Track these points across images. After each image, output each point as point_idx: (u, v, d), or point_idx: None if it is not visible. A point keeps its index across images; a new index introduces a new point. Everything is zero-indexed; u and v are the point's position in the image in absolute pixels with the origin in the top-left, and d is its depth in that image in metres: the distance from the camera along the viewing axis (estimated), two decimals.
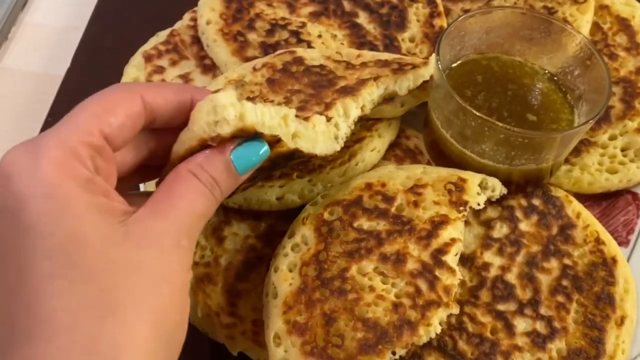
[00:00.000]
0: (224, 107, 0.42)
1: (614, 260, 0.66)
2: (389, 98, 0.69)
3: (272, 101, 0.63)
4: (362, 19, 0.79)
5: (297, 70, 0.68)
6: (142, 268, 0.39)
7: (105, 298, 0.37)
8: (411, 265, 0.58)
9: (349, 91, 0.62)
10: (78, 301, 0.36)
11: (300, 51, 0.71)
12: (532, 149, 0.63)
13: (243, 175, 0.46)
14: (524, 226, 0.68)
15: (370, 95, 0.63)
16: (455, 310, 0.56)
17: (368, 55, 0.71)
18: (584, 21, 0.79)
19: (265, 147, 0.47)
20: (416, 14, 0.81)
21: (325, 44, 0.76)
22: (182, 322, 0.42)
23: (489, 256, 0.66)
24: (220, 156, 0.45)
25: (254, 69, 0.68)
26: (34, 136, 0.41)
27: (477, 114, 0.61)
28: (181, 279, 0.42)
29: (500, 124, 0.60)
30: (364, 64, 0.69)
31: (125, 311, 0.37)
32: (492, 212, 0.69)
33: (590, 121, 0.62)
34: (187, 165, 0.44)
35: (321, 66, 0.69)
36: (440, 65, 0.64)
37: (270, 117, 0.46)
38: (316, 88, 0.65)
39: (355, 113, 0.61)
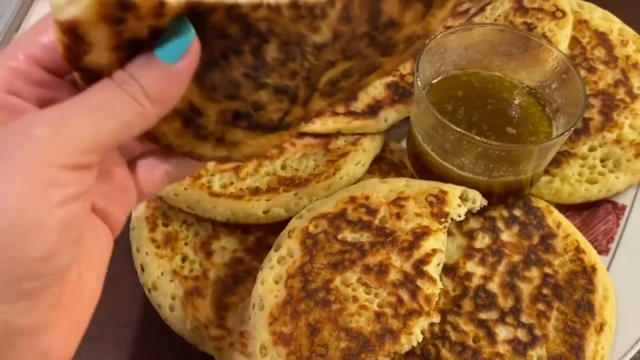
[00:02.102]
0: None
1: (594, 268, 0.68)
2: (373, 112, 0.72)
3: None
4: None
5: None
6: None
7: None
8: (393, 275, 0.59)
9: None
10: None
11: None
12: (510, 161, 0.65)
13: (177, 65, 0.36)
14: (505, 236, 0.70)
15: None
16: (436, 319, 0.57)
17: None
18: (562, 36, 0.82)
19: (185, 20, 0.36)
20: None
21: None
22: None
23: (471, 266, 0.68)
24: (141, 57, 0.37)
25: None
26: None
27: (456, 128, 0.63)
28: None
29: (478, 138, 0.62)
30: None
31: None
32: (474, 223, 0.71)
33: (566, 133, 0.64)
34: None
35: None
36: (419, 82, 0.66)
37: None
38: None
39: None
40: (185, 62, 0.37)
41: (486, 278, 0.67)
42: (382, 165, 0.75)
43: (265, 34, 0.39)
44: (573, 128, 0.64)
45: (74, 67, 0.37)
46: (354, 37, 0.42)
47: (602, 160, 0.76)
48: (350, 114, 0.73)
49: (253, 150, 0.48)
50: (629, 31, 0.86)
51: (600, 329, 0.64)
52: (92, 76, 0.37)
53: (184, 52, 0.36)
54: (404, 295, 0.58)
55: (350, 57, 0.44)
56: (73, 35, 0.34)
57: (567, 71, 0.69)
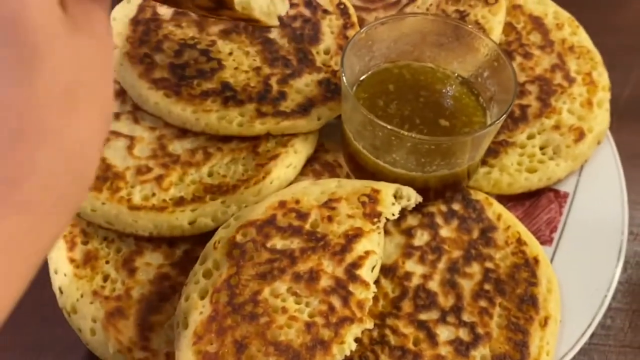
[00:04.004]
0: None
1: (536, 260, 0.66)
2: (304, 111, 0.69)
3: None
4: (275, 34, 0.78)
5: None
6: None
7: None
8: (325, 282, 0.56)
9: None
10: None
11: None
12: (443, 154, 0.63)
13: None
14: (444, 232, 0.68)
15: None
16: (369, 325, 0.54)
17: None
18: (495, 22, 0.80)
19: None
20: (329, 26, 0.80)
21: (237, 60, 0.74)
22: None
23: (410, 265, 0.65)
24: None
25: None
26: None
27: (382, 124, 0.60)
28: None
29: (406, 133, 0.60)
30: None
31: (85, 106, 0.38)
32: (412, 220, 0.68)
33: (497, 122, 0.62)
34: None
35: None
36: (345, 78, 0.63)
37: None
38: None
39: None
40: None
41: (426, 277, 0.64)
42: (316, 166, 0.72)
43: None
44: (504, 116, 0.62)
45: None
46: None
47: (541, 148, 0.74)
48: (280, 113, 0.70)
49: None
50: (564, 14, 0.84)
51: (545, 323, 0.62)
52: None
53: None
54: (336, 303, 0.55)
55: None
56: None
57: (498, 59, 0.67)
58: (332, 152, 0.74)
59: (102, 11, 0.41)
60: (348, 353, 0.53)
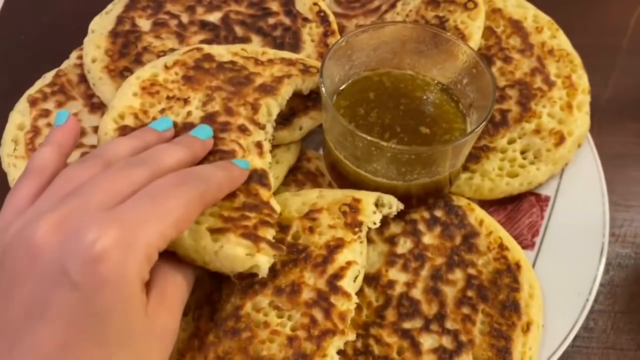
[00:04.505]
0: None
1: (518, 265, 0.66)
2: (286, 121, 0.70)
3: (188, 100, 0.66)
4: (255, 43, 0.78)
5: (210, 66, 0.69)
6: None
7: None
8: (306, 295, 0.56)
9: (269, 90, 0.67)
10: None
11: (207, 48, 0.72)
12: (423, 163, 0.63)
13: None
14: (427, 239, 0.68)
15: (287, 93, 0.68)
16: (351, 336, 0.55)
17: (271, 52, 0.73)
18: (475, 27, 0.80)
19: None
20: (310, 34, 0.80)
21: None
22: None
23: (394, 273, 0.65)
24: None
25: (166, 67, 0.69)
26: (127, 219, 0.45)
27: (362, 135, 0.60)
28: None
29: (385, 144, 0.60)
30: (270, 61, 0.72)
31: None
32: (395, 228, 0.69)
33: (477, 129, 0.62)
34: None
35: (232, 62, 0.70)
36: (324, 88, 0.63)
37: None
38: (235, 85, 0.68)
39: (275, 111, 0.68)
40: None
41: (409, 285, 0.65)
42: (299, 175, 0.72)
43: None
44: (484, 124, 0.62)
45: None
46: None
47: (522, 152, 0.75)
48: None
49: None
50: (543, 17, 0.84)
51: (527, 328, 0.62)
52: None
53: None
54: (318, 315, 0.55)
55: None
56: None
57: (477, 65, 0.67)
58: (313, 161, 0.75)
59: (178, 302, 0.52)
60: None
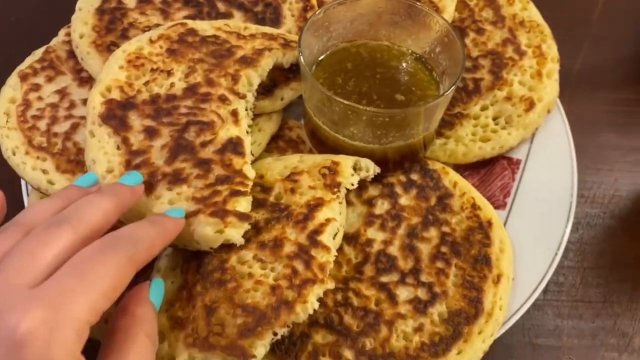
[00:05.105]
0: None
1: (490, 223, 0.70)
2: (267, 92, 0.73)
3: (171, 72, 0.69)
4: (237, 18, 0.81)
5: (194, 40, 0.73)
6: None
7: None
8: (288, 248, 0.60)
9: (249, 62, 0.70)
10: None
11: (191, 23, 0.75)
12: (397, 126, 0.66)
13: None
14: (403, 200, 0.71)
15: (267, 65, 0.71)
16: (330, 285, 0.58)
17: (253, 27, 0.77)
18: (449, 0, 0.84)
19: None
20: (290, 9, 0.83)
21: None
22: None
23: (372, 232, 0.69)
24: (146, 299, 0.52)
25: (151, 41, 0.72)
26: (52, 296, 0.42)
27: (339, 99, 0.63)
28: None
29: (361, 107, 0.63)
30: (252, 36, 0.75)
31: None
32: (373, 191, 0.72)
33: (447, 93, 0.65)
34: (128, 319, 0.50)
35: (215, 36, 0.74)
36: (303, 58, 0.66)
37: None
38: (217, 57, 0.71)
39: (256, 82, 0.70)
40: None
41: (386, 242, 0.68)
42: (280, 143, 0.76)
43: None
44: (453, 87, 0.65)
45: None
46: None
47: (494, 118, 0.78)
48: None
49: None
50: None
51: (498, 280, 0.66)
52: None
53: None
54: (299, 266, 0.58)
55: None
56: None
57: (448, 34, 0.71)
58: (294, 130, 0.78)
59: None
60: (311, 312, 0.56)
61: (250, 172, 0.63)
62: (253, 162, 0.70)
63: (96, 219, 0.49)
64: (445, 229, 0.69)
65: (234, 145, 0.63)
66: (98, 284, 0.44)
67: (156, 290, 0.53)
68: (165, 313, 0.57)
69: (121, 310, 0.50)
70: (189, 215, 0.58)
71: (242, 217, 0.58)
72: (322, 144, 0.72)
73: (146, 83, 0.68)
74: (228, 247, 0.60)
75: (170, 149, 0.63)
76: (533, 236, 0.72)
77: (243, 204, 0.59)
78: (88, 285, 0.43)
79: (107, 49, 0.75)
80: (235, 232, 0.58)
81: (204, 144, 0.64)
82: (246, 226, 0.59)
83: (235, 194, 0.59)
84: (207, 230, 0.57)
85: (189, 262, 0.60)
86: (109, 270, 0.45)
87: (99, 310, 0.44)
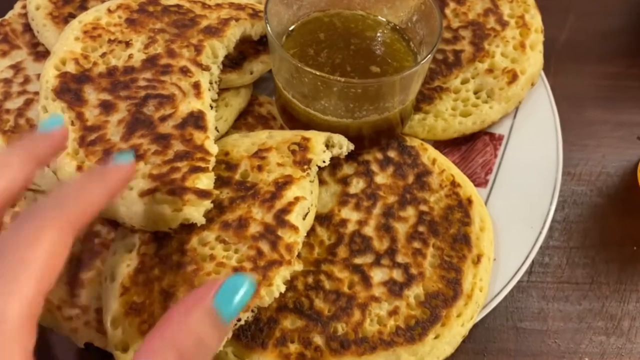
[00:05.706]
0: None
1: (470, 201, 0.66)
2: (235, 64, 0.69)
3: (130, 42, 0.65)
4: None
5: (155, 9, 0.69)
6: None
7: None
8: (253, 228, 0.56)
9: (214, 32, 0.66)
10: None
11: None
12: (371, 99, 0.62)
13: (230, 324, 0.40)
14: (380, 179, 0.68)
15: (234, 35, 0.67)
16: (298, 267, 0.54)
17: None
18: None
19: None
20: None
21: None
22: None
23: (346, 212, 0.65)
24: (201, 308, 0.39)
25: (109, 11, 0.68)
26: None
27: (308, 69, 0.59)
28: None
29: (331, 77, 0.59)
30: (218, 5, 0.71)
31: None
32: (348, 169, 0.68)
33: (424, 62, 0.61)
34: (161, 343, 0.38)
35: (178, 5, 0.70)
36: (270, 27, 0.62)
37: None
38: (179, 27, 0.67)
39: (222, 53, 0.66)
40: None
41: (361, 223, 0.64)
42: (249, 119, 0.72)
43: None
44: (430, 56, 0.61)
45: None
46: None
47: (475, 92, 0.75)
48: None
49: None
50: None
51: (478, 260, 0.63)
52: None
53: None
54: (264, 247, 0.55)
55: None
56: None
57: (425, 2, 0.67)
58: (265, 105, 0.74)
59: None
60: (277, 295, 0.52)
61: (213, 148, 0.58)
62: (219, 139, 0.66)
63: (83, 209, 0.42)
64: (423, 207, 0.66)
65: (195, 119, 0.59)
66: (27, 275, 0.37)
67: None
68: (120, 298, 0.54)
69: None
70: (145, 194, 0.54)
71: (201, 194, 0.54)
72: (294, 120, 0.68)
73: (103, 55, 0.64)
74: (189, 227, 0.56)
75: (127, 124, 0.59)
76: (516, 215, 0.69)
77: (204, 181, 0.55)
78: (14, 283, 0.36)
79: (65, 20, 0.70)
80: (194, 211, 0.53)
81: (163, 119, 0.59)
82: (207, 204, 0.54)
83: (195, 170, 0.55)
84: (164, 209, 0.53)
85: (147, 244, 0.56)
86: (36, 252, 0.37)
87: (39, 300, 0.37)
